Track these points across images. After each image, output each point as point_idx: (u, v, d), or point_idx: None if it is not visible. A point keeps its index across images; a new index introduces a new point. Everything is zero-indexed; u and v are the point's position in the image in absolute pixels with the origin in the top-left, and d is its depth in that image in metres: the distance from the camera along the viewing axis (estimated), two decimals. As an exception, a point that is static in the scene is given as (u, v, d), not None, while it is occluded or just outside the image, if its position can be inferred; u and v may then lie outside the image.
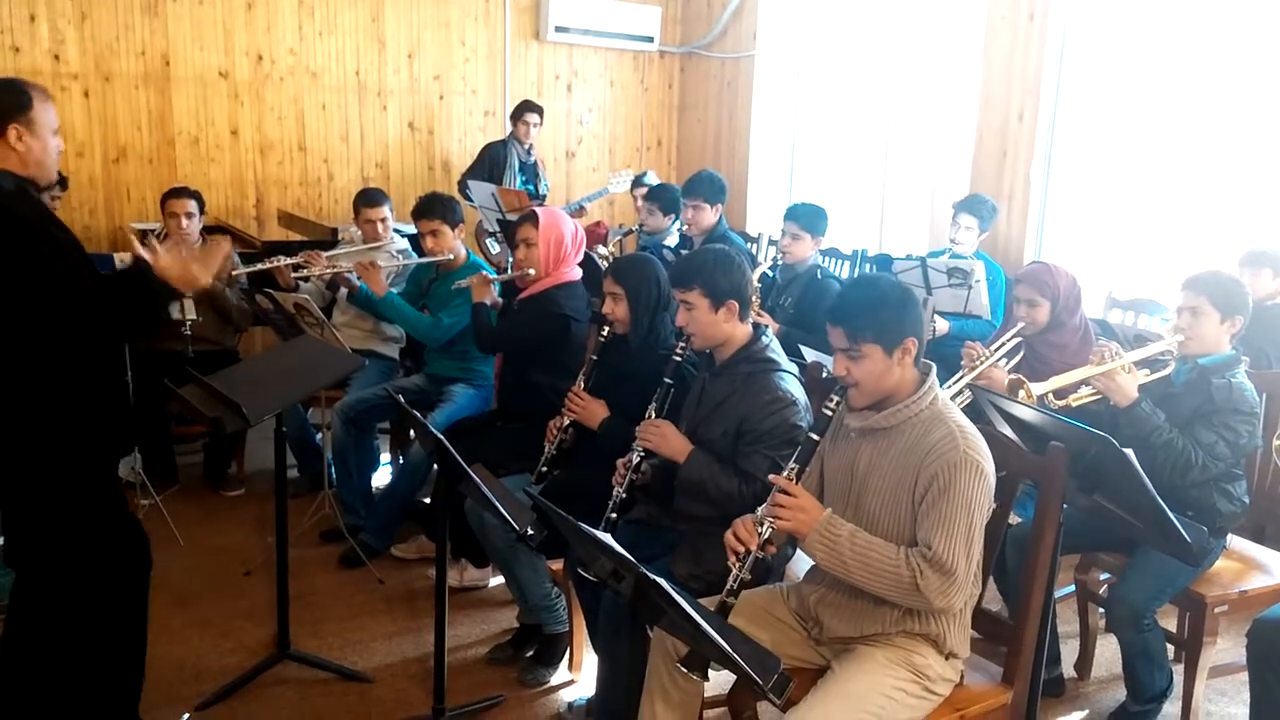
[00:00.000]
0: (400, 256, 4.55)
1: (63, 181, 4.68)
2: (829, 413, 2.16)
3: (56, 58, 5.54)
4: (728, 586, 2.16)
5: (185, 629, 3.37)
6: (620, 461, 2.73)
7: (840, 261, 5.69)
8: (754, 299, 4.13)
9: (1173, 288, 3.07)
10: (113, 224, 5.87)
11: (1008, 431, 2.57)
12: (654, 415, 2.72)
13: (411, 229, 4.53)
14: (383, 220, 4.53)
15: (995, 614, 2.48)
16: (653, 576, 1.71)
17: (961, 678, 2.26)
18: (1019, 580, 2.40)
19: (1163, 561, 2.68)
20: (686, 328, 2.66)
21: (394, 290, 4.25)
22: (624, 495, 2.71)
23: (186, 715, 2.80)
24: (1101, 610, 3.11)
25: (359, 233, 4.64)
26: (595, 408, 3.00)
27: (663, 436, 2.66)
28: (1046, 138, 5.03)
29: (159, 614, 3.36)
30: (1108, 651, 3.22)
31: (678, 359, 2.75)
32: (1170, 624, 3.08)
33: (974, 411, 2.74)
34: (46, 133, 2.37)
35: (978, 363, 3.28)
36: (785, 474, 2.16)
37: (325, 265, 4.23)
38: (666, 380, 2.75)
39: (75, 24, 5.55)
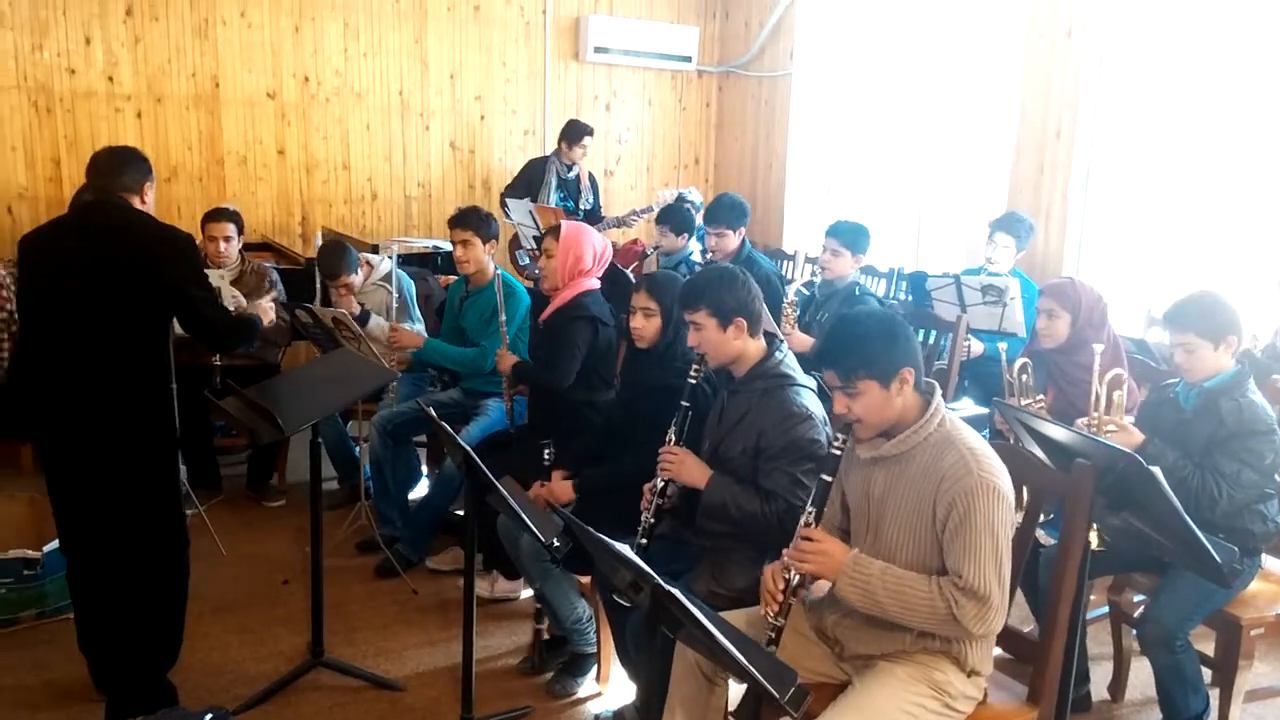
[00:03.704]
0: (385, 284, 4.53)
1: None
2: (838, 452, 2.18)
3: (110, 79, 5.72)
4: (767, 636, 2.18)
5: (224, 635, 3.45)
6: (646, 487, 2.76)
7: (876, 279, 5.69)
8: (787, 314, 4.18)
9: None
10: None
11: (1035, 449, 2.56)
12: (673, 440, 2.74)
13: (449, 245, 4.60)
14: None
15: (1022, 632, 2.47)
16: (668, 588, 1.73)
17: (985, 695, 2.25)
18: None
19: (1195, 582, 2.65)
20: (698, 348, 2.68)
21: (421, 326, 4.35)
22: (653, 520, 2.74)
23: (209, 715, 2.87)
24: (1135, 631, 3.07)
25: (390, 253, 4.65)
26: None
27: (681, 463, 2.68)
28: (1085, 154, 5.00)
29: (199, 620, 3.47)
30: (1143, 674, 3.17)
31: (692, 381, 2.75)
32: (1208, 647, 3.03)
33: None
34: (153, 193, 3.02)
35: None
36: (804, 519, 2.18)
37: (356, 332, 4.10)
38: (684, 404, 2.75)
39: (129, 47, 5.73)
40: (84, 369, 2.70)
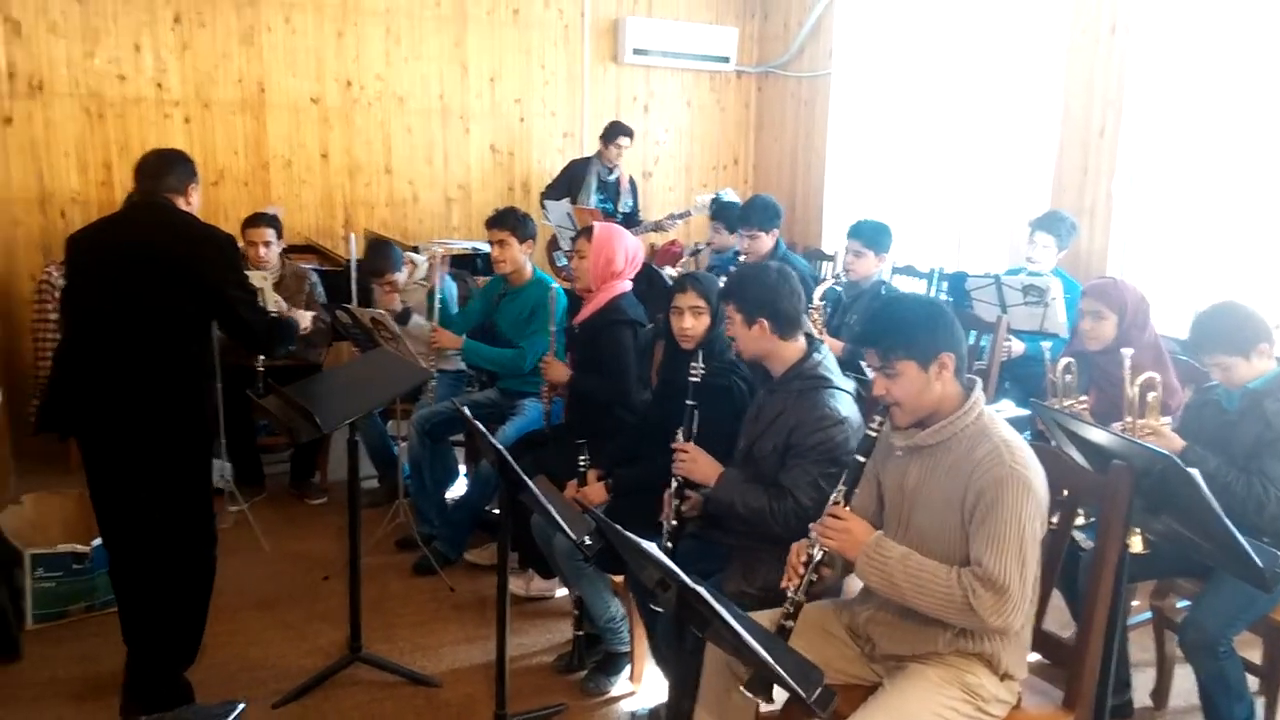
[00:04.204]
0: (426, 284, 4.58)
1: None
2: (873, 434, 2.17)
3: (159, 86, 5.85)
4: (784, 610, 2.19)
5: (265, 630, 3.51)
6: (667, 494, 2.77)
7: (916, 279, 5.63)
8: (814, 317, 4.15)
9: (1260, 306, 2.91)
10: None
11: (1072, 451, 2.52)
12: (682, 438, 2.74)
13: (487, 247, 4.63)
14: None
15: (1060, 636, 2.43)
16: (694, 586, 1.73)
17: (1019, 700, 2.22)
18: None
19: (1239, 587, 2.59)
20: (735, 342, 2.70)
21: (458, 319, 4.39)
22: (675, 523, 2.75)
23: (242, 705, 2.92)
24: (1177, 638, 3.01)
25: (433, 252, 4.71)
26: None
27: (694, 461, 2.70)
28: (1129, 153, 4.91)
29: (241, 615, 3.55)
30: (1187, 681, 3.10)
31: (694, 379, 2.76)
32: (1255, 655, 2.97)
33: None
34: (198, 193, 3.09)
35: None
36: (834, 496, 2.18)
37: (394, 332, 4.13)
38: (689, 403, 2.76)
39: (177, 54, 5.85)
40: (123, 366, 2.75)
